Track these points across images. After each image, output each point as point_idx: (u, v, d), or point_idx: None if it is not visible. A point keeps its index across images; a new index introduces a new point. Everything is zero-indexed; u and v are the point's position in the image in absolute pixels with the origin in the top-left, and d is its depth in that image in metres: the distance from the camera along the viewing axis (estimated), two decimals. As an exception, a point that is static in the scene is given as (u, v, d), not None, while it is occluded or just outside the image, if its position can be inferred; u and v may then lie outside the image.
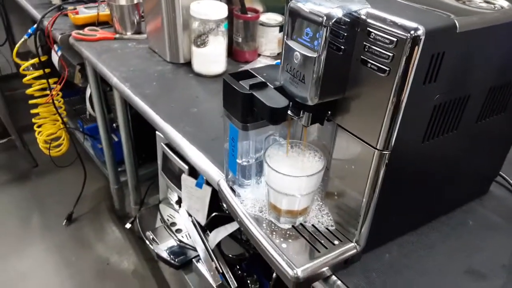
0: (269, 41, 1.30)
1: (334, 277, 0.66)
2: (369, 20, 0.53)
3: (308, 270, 0.63)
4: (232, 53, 1.30)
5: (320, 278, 0.65)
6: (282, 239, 0.67)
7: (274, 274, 1.15)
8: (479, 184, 0.85)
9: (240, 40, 1.27)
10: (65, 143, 1.87)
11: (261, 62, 1.30)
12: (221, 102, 1.10)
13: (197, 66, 1.21)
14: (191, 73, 1.23)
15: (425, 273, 0.69)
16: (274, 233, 0.68)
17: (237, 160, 0.70)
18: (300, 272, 0.62)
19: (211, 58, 1.19)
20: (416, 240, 0.75)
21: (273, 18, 1.30)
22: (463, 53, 0.56)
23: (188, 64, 1.26)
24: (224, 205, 1.24)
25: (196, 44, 1.18)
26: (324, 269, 0.65)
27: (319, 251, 0.66)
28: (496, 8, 0.59)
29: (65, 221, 1.93)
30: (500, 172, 0.86)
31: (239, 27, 1.25)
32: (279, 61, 1.29)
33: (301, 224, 0.70)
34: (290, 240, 0.67)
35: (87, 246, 1.85)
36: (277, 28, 1.29)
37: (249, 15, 1.23)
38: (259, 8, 1.29)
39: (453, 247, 0.74)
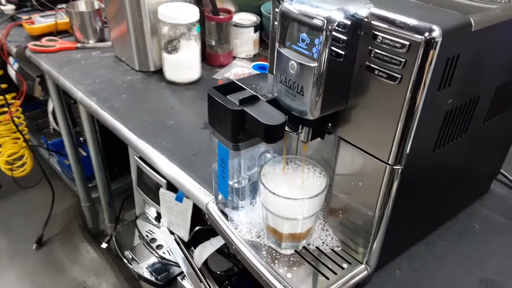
0: (244, 43, 1.23)
1: (344, 304, 0.61)
2: (374, 22, 0.47)
3: (319, 301, 0.57)
4: (206, 57, 1.22)
5: (331, 307, 0.59)
6: (286, 268, 0.61)
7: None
8: (481, 184, 0.81)
9: (213, 43, 1.19)
10: (28, 162, 1.73)
11: (236, 65, 1.22)
12: (198, 112, 1.04)
13: (170, 74, 1.13)
14: (163, 82, 1.15)
15: (440, 288, 0.64)
16: (276, 261, 0.62)
17: (229, 182, 0.63)
18: (310, 304, 0.56)
19: (184, 64, 1.11)
20: (425, 251, 0.70)
21: (247, 18, 1.23)
22: (477, 53, 0.51)
23: (159, 72, 1.17)
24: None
25: (167, 50, 1.09)
26: (335, 297, 0.59)
27: (328, 278, 0.59)
28: (503, 2, 0.54)
29: (35, 244, 1.80)
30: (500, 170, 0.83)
31: (212, 30, 1.17)
32: (256, 63, 1.22)
33: (304, 247, 0.64)
34: (294, 268, 0.61)
35: (61, 269, 1.73)
36: (252, 29, 1.22)
37: (221, 16, 1.15)
38: (231, 8, 1.22)
39: (463, 255, 0.70)
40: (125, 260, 1.40)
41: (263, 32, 1.32)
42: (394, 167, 0.52)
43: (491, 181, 0.83)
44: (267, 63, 1.23)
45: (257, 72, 1.18)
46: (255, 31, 1.22)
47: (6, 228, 1.89)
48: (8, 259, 1.77)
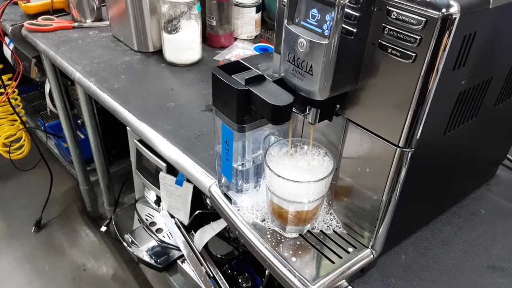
0: (246, 23, 1.20)
1: (350, 288, 0.60)
2: (388, -3, 0.45)
3: (325, 285, 0.56)
4: (206, 38, 1.20)
5: (336, 291, 0.58)
6: (290, 252, 0.60)
7: (267, 272, 1.08)
8: (487, 169, 0.80)
9: (214, 23, 1.16)
10: (26, 144, 1.71)
11: (238, 47, 1.20)
12: (199, 94, 1.01)
13: (169, 55, 1.10)
14: (163, 63, 1.12)
15: (446, 273, 0.63)
16: (280, 244, 0.61)
17: (233, 165, 0.62)
18: (315, 289, 0.55)
19: (185, 45, 1.08)
20: (430, 236, 0.69)
21: (249, -3, 1.20)
22: (493, 32, 0.49)
23: (158, 52, 1.15)
24: (208, 205, 1.15)
25: (167, 30, 1.06)
26: (341, 282, 0.58)
27: (333, 262, 0.58)
28: (520, -22, 0.52)
29: (33, 227, 1.79)
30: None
31: (213, 9, 1.14)
32: (257, 45, 1.20)
33: (308, 231, 0.63)
34: (299, 252, 0.60)
35: (60, 252, 1.73)
36: (254, 9, 1.19)
37: (222, -4, 1.13)
38: (233, -13, 1.19)
39: (469, 240, 0.69)
40: (124, 243, 1.39)
41: (264, 12, 1.29)
42: (404, 150, 0.50)
43: (497, 166, 0.81)
44: (269, 45, 1.20)
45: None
46: (257, 12, 1.20)
47: (4, 210, 1.88)
48: (7, 242, 1.76)
